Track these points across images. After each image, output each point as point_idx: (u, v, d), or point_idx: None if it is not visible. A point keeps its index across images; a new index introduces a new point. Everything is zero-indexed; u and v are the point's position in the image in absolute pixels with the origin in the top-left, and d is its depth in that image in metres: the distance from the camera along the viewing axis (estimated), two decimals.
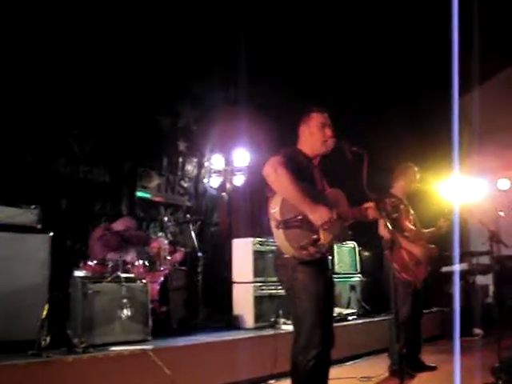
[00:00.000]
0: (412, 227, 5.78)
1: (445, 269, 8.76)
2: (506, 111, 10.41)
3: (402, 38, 8.51)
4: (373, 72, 8.91)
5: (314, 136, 3.77)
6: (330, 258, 3.79)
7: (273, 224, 3.44)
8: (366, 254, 8.77)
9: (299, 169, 3.54)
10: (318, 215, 3.38)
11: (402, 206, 5.65)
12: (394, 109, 9.53)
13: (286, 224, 3.39)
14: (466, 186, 8.65)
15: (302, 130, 3.85)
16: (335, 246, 7.55)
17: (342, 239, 3.72)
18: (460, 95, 6.78)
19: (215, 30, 7.54)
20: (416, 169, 5.90)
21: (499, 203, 8.36)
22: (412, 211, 5.90)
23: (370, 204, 3.65)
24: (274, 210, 3.44)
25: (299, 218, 3.40)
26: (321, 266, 3.54)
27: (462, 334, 8.00)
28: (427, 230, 5.90)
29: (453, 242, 6.49)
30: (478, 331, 8.33)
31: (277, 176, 3.41)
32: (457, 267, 8.19)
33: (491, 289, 9.65)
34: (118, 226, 6.62)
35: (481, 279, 9.87)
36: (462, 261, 9.17)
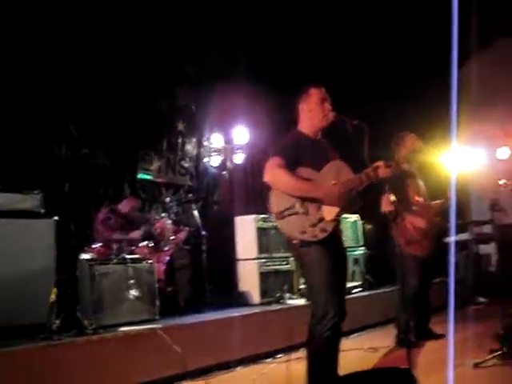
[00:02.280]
0: (420, 199, 5.77)
1: (447, 239, 8.80)
2: (505, 80, 10.38)
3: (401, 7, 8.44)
4: (369, 44, 8.85)
5: (313, 112, 3.82)
6: (339, 231, 3.81)
7: (273, 215, 3.66)
8: (369, 226, 8.79)
9: (301, 153, 3.68)
10: (329, 197, 3.55)
11: (410, 179, 5.66)
12: (392, 81, 9.50)
13: (282, 214, 3.57)
14: (466, 156, 8.67)
15: (301, 107, 3.89)
16: None
17: (351, 209, 3.77)
18: (459, 64, 6.76)
19: (211, 9, 7.48)
20: (416, 137, 5.85)
21: (499, 172, 8.39)
22: (421, 183, 5.88)
23: (380, 163, 3.67)
24: (270, 203, 3.64)
25: (296, 204, 3.56)
26: (329, 243, 3.60)
27: (467, 303, 8.13)
28: (435, 202, 5.89)
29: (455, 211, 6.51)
30: (481, 299, 8.39)
31: (277, 181, 3.61)
32: (456, 237, 8.21)
33: (494, 258, 9.72)
34: (124, 206, 6.65)
35: (483, 248, 9.93)
36: (463, 230, 9.21)
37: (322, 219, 3.56)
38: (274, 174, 3.60)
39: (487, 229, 9.27)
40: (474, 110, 10.07)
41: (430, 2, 7.76)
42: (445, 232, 6.78)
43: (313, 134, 3.85)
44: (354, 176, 3.69)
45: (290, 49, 8.43)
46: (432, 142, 5.91)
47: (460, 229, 8.88)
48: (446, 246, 8.79)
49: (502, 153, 10.25)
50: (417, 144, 5.78)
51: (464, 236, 9.10)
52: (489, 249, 9.82)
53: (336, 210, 3.57)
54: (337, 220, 3.64)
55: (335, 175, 3.68)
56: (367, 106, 7.94)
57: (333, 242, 3.65)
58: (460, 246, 9.22)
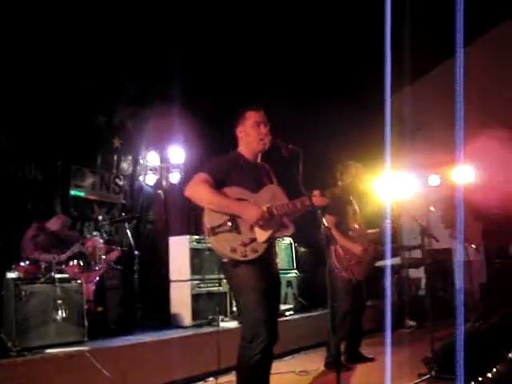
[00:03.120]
0: (356, 226, 5.87)
1: (379, 263, 8.95)
2: (436, 109, 10.71)
3: (335, 38, 8.62)
4: (308, 70, 8.99)
5: (249, 136, 3.82)
6: (273, 254, 3.79)
7: (205, 232, 3.61)
8: (303, 249, 8.85)
9: (235, 173, 3.70)
10: (248, 214, 3.53)
11: (348, 206, 5.77)
12: (329, 106, 9.65)
13: (214, 231, 3.55)
14: (398, 182, 8.88)
15: (238, 130, 3.89)
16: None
17: (281, 234, 3.77)
18: (392, 93, 6.92)
19: (151, 28, 7.45)
20: (358, 167, 5.97)
21: (430, 199, 8.62)
22: (357, 209, 5.99)
23: (316, 192, 3.71)
24: (204, 219, 3.61)
25: (228, 223, 3.54)
26: (261, 264, 3.58)
27: (396, 327, 8.26)
28: (371, 231, 6.02)
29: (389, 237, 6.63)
30: (411, 323, 8.55)
31: (196, 195, 3.63)
32: (389, 261, 8.37)
33: (423, 281, 9.95)
34: (53, 224, 6.51)
35: (413, 272, 10.16)
36: (394, 255, 9.39)
37: (254, 240, 3.55)
38: (195, 189, 3.63)
39: (417, 254, 9.51)
40: (407, 138, 10.33)
41: (366, 34, 7.94)
42: (377, 256, 6.89)
43: (251, 157, 3.86)
44: (289, 201, 3.70)
45: (226, 69, 8.46)
46: (368, 169, 6.02)
47: (391, 253, 9.05)
48: (377, 270, 8.95)
49: (433, 180, 10.57)
50: (359, 172, 5.89)
51: (395, 260, 9.27)
52: (418, 273, 10.06)
53: (269, 232, 3.57)
54: (270, 242, 3.63)
55: (270, 199, 3.68)
56: (304, 130, 8.04)
57: (265, 264, 3.63)
58: (391, 270, 9.39)
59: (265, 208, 3.57)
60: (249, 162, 3.83)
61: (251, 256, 3.53)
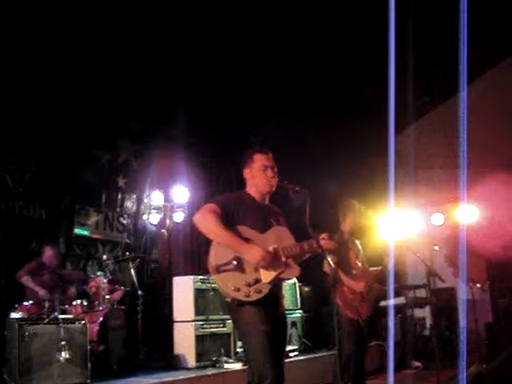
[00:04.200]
0: (359, 265, 5.85)
1: (383, 303, 8.89)
2: (438, 148, 10.76)
3: (339, 75, 8.70)
4: (314, 110, 9.05)
5: (256, 178, 3.82)
6: (279, 296, 3.77)
7: (210, 269, 3.56)
8: (307, 289, 8.80)
9: (243, 212, 3.67)
10: (251, 255, 3.48)
11: (351, 245, 5.77)
12: (331, 146, 9.71)
13: (218, 269, 3.50)
14: (402, 221, 8.88)
15: (245, 172, 3.89)
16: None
17: (287, 276, 3.74)
18: (395, 133, 6.97)
19: (155, 67, 7.53)
20: (361, 206, 5.98)
21: (434, 238, 8.61)
22: (360, 248, 5.98)
23: (324, 235, 3.69)
24: (209, 256, 3.57)
25: (233, 262, 3.49)
26: (266, 305, 3.54)
27: (401, 367, 8.17)
28: (374, 269, 5.99)
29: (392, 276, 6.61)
30: (416, 364, 8.44)
31: (205, 223, 3.58)
32: (393, 301, 8.32)
33: (428, 321, 9.85)
34: (46, 257, 6.62)
35: (417, 312, 10.07)
36: (399, 294, 9.33)
37: (258, 280, 3.51)
38: (205, 217, 3.59)
39: (421, 293, 9.45)
40: (410, 176, 10.39)
41: (370, 73, 8.04)
42: (381, 296, 6.86)
43: (259, 198, 3.85)
44: (296, 244, 3.68)
45: (230, 110, 8.52)
46: (372, 208, 6.03)
47: (396, 293, 9.00)
48: (381, 309, 8.90)
49: (437, 219, 10.57)
50: (361, 212, 5.89)
51: (400, 300, 9.21)
52: (423, 312, 9.97)
53: (274, 273, 3.54)
54: (275, 283, 3.60)
55: (277, 240, 3.66)
56: (308, 172, 8.07)
57: (270, 306, 3.58)
58: (395, 309, 9.31)
59: (271, 249, 3.56)
60: (256, 203, 3.82)
61: (255, 297, 3.48)
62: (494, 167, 9.30)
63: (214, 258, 3.55)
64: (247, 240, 3.59)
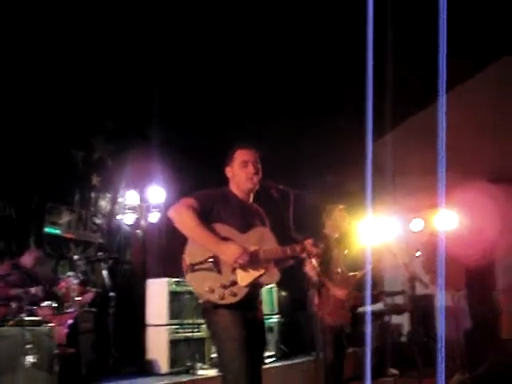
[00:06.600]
0: (339, 270, 5.75)
1: (360, 309, 8.79)
2: (416, 154, 10.73)
3: (317, 83, 8.62)
4: (293, 116, 8.95)
5: (237, 176, 3.66)
6: (257, 300, 3.59)
7: (183, 267, 3.38)
8: (284, 293, 8.67)
9: (222, 210, 3.50)
10: (227, 253, 3.31)
11: (333, 249, 5.66)
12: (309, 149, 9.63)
13: (193, 267, 3.33)
14: (381, 227, 8.79)
15: (227, 170, 3.72)
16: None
17: (266, 281, 3.55)
18: (373, 140, 6.93)
19: (132, 66, 7.38)
20: (344, 209, 5.89)
21: (412, 244, 8.53)
22: (342, 253, 5.88)
23: (309, 240, 3.51)
24: (185, 253, 3.39)
25: (209, 260, 3.33)
26: (242, 309, 3.36)
27: (378, 375, 8.06)
28: (354, 274, 5.90)
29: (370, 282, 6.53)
30: (393, 371, 8.35)
31: (180, 218, 3.40)
32: (370, 307, 8.24)
33: (405, 328, 9.80)
34: (26, 259, 6.37)
35: (394, 318, 10.00)
36: (377, 301, 9.25)
37: (234, 283, 3.33)
38: (180, 211, 3.40)
39: (398, 300, 9.38)
40: (389, 181, 10.31)
41: (348, 80, 7.97)
42: (359, 303, 6.78)
43: (242, 196, 3.67)
44: (278, 247, 3.52)
45: (208, 109, 8.38)
46: (351, 213, 5.94)
47: (373, 299, 8.93)
48: (358, 316, 8.80)
49: (416, 225, 10.51)
50: (344, 216, 5.80)
51: (377, 306, 9.13)
52: (400, 319, 9.91)
53: (252, 276, 3.36)
54: (253, 287, 3.41)
55: (258, 241, 3.48)
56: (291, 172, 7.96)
57: (246, 310, 3.40)
58: (373, 316, 9.23)
59: (251, 250, 3.38)
60: (239, 201, 3.64)
61: (229, 300, 3.30)
62: (474, 173, 9.28)
63: (189, 255, 3.36)
64: (225, 239, 3.40)
